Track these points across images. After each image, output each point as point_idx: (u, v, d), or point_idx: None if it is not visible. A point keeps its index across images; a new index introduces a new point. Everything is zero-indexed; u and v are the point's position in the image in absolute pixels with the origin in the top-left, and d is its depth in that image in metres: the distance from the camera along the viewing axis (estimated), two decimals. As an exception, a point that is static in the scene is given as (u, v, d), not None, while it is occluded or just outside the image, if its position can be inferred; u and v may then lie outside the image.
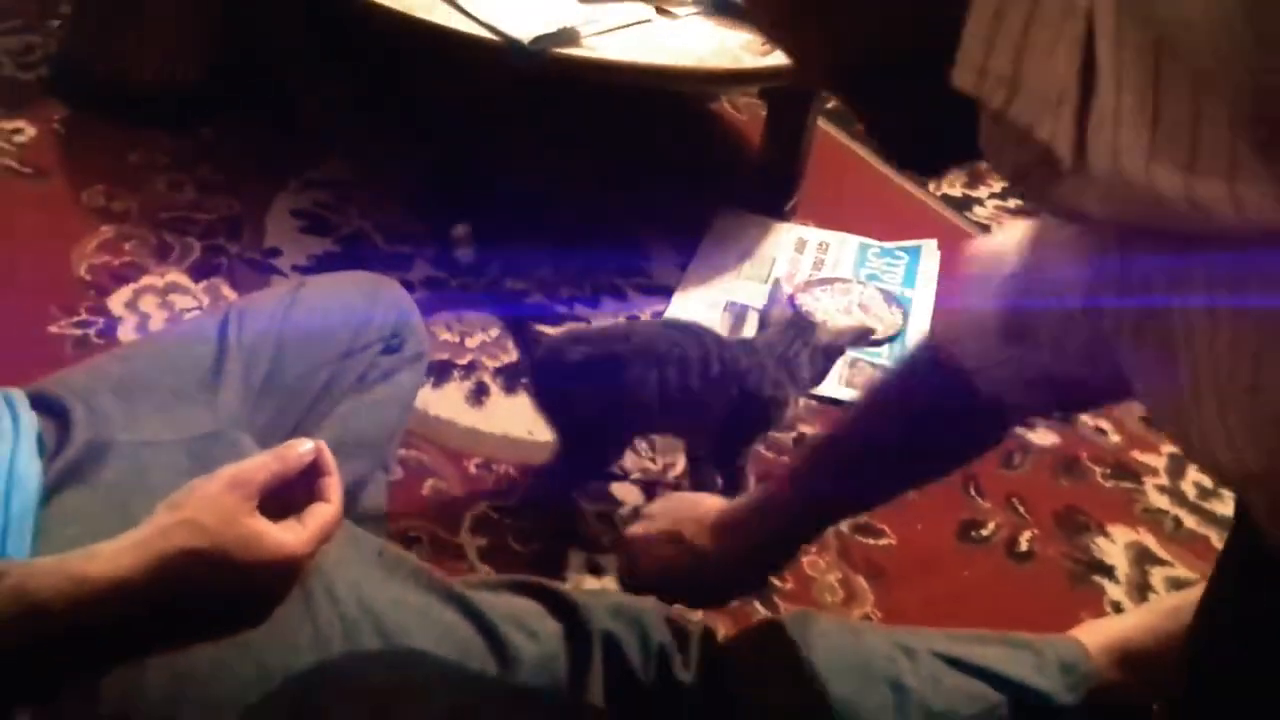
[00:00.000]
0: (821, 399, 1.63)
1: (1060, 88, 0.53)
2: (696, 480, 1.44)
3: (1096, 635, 1.20)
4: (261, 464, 0.75)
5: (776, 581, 1.35)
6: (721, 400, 1.33)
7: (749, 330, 1.74)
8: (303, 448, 0.77)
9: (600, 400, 1.31)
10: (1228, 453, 0.58)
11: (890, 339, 1.77)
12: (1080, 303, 0.78)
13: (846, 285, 1.87)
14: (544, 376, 1.34)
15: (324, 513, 0.77)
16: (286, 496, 0.76)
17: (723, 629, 1.25)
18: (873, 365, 1.71)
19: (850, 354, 1.72)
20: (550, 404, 1.35)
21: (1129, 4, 0.49)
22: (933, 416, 0.97)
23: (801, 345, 1.36)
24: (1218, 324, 0.57)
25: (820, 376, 1.40)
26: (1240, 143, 0.48)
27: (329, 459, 0.79)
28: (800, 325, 1.39)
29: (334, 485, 0.78)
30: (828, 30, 0.62)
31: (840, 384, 1.66)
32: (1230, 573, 0.77)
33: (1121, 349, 0.67)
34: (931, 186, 2.18)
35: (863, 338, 1.51)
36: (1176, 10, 0.47)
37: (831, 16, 0.61)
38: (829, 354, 1.39)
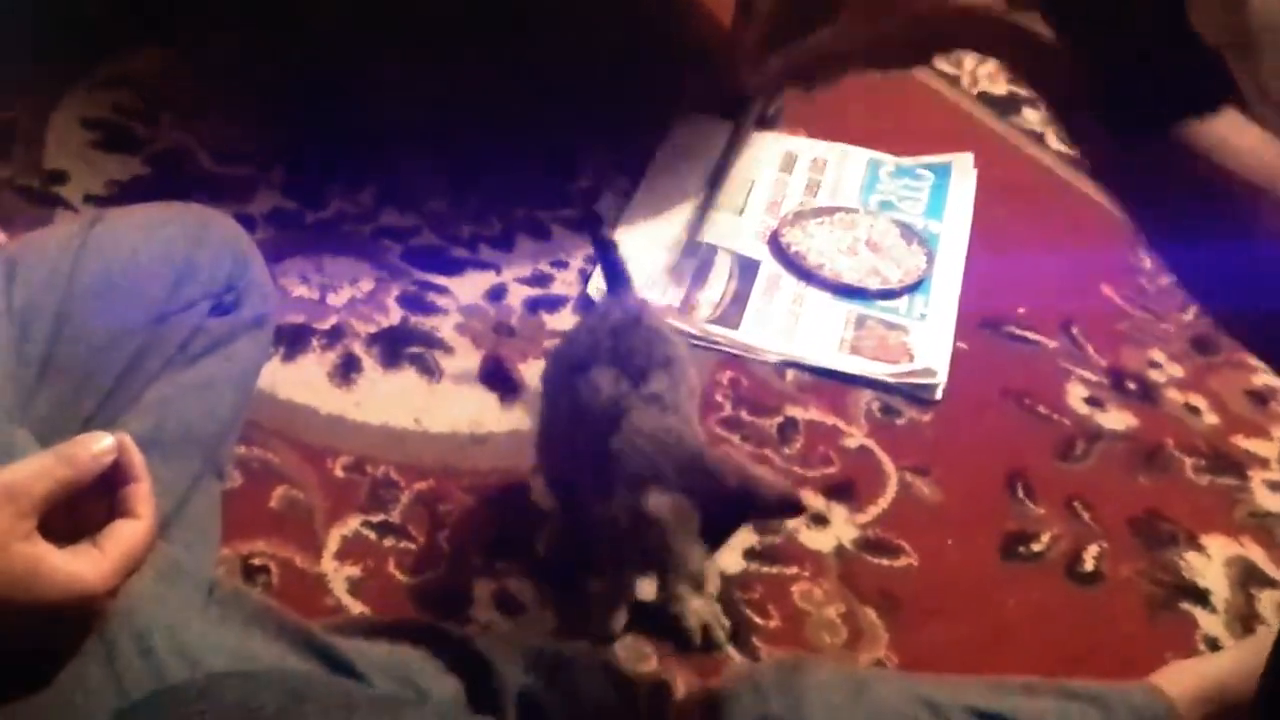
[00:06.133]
0: (818, 370, 1.66)
1: None
2: None
3: (1184, 681, 1.24)
4: (42, 469, 0.74)
5: (757, 617, 1.37)
6: None
7: (715, 286, 1.76)
8: (99, 445, 0.77)
9: None
10: None
11: (910, 288, 1.79)
12: None
13: (851, 216, 1.89)
14: None
15: (130, 534, 0.76)
16: (78, 513, 0.76)
17: (682, 682, 1.27)
18: (887, 325, 1.73)
19: (858, 310, 1.75)
20: None
21: None
22: None
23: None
24: None
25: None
26: None
27: (136, 461, 0.79)
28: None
29: (143, 495, 0.78)
30: None
31: (843, 350, 1.68)
32: None
33: None
34: (966, 82, 2.20)
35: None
36: None
37: None
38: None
